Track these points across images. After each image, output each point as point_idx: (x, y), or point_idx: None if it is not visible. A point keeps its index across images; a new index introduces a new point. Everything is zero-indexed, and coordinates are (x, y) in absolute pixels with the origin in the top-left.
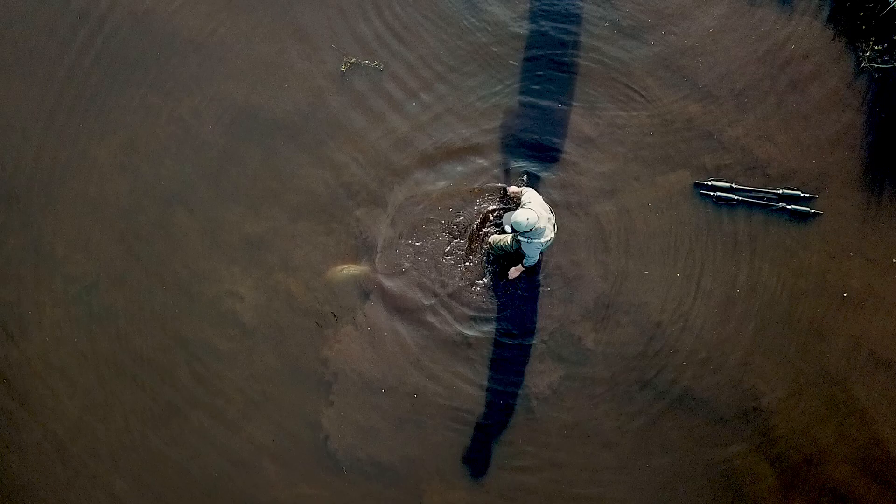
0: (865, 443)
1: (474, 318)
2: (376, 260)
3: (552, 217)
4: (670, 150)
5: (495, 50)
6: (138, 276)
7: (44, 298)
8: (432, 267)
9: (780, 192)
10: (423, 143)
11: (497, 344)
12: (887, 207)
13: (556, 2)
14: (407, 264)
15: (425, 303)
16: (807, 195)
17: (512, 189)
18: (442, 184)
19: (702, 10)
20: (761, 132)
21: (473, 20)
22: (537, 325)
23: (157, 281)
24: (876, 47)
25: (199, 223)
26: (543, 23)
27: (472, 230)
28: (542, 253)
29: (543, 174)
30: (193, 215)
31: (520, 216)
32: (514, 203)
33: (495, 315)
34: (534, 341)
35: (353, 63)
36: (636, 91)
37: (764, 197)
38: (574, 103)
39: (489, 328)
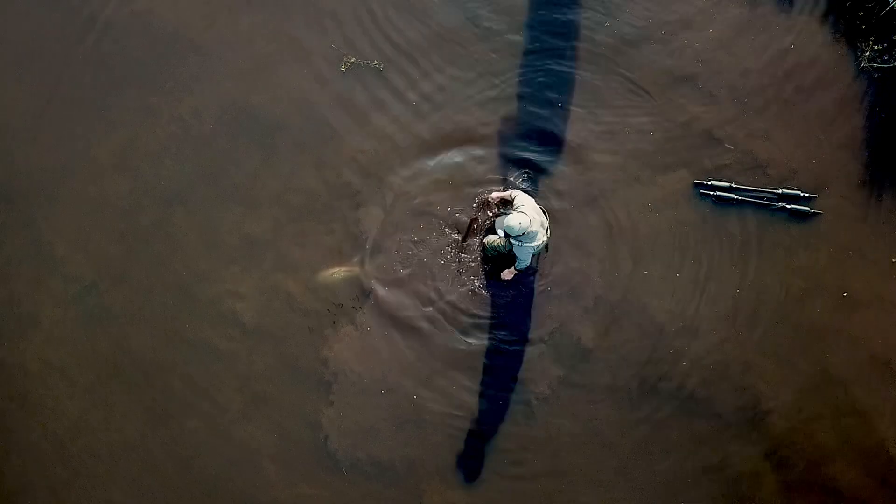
0: (866, 443)
1: (474, 318)
2: (375, 261)
3: (545, 221)
4: (670, 150)
5: (495, 50)
6: (138, 276)
7: (43, 298)
8: (431, 267)
9: (780, 191)
10: (423, 143)
11: (497, 344)
12: (887, 207)
13: (556, 2)
14: (406, 265)
15: (424, 303)
16: (806, 195)
17: (495, 194)
18: (441, 183)
19: (702, 10)
20: (761, 132)
21: (473, 20)
22: (537, 326)
23: (157, 281)
24: (875, 47)
25: (198, 223)
26: (544, 23)
27: (472, 231)
28: (535, 255)
29: (543, 174)
30: (193, 215)
31: (512, 220)
32: (509, 206)
33: (495, 315)
34: (533, 341)
35: (352, 63)
36: (636, 91)
37: (764, 196)
38: (574, 103)
39: (488, 328)
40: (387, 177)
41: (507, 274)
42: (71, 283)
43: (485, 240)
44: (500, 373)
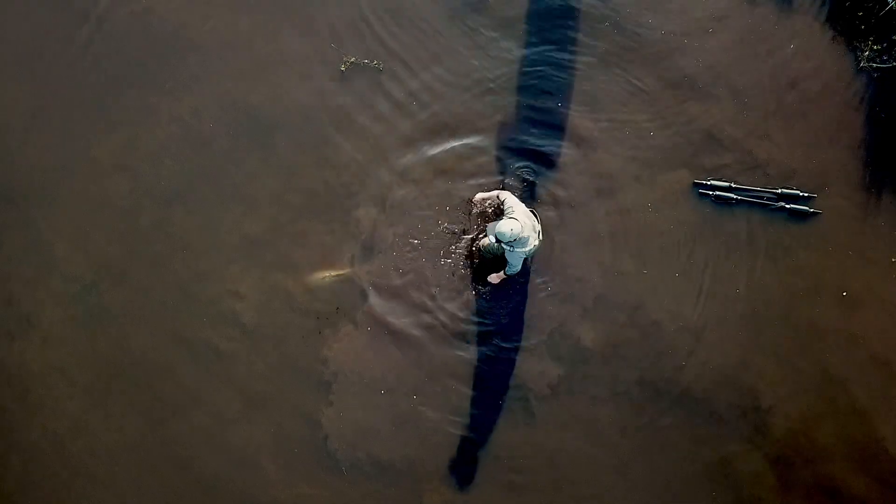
0: (865, 443)
1: (473, 318)
2: (375, 261)
3: (537, 225)
4: (670, 150)
5: (494, 49)
6: (138, 275)
7: (43, 298)
8: (430, 267)
9: (780, 191)
10: (423, 143)
11: (496, 344)
12: (887, 207)
13: (556, 3)
14: (405, 265)
15: (423, 304)
16: (806, 194)
17: (479, 195)
18: (441, 183)
19: (702, 10)
20: (761, 132)
21: (472, 21)
22: (536, 325)
23: (156, 281)
24: (875, 47)
25: (198, 223)
26: (543, 23)
27: (471, 231)
28: (526, 259)
29: (542, 174)
30: (193, 215)
31: (504, 227)
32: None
33: (494, 315)
34: (533, 341)
35: (352, 63)
36: (636, 91)
37: (763, 196)
38: (574, 103)
39: (488, 328)
40: (387, 176)
41: (495, 278)
42: (71, 282)
43: (480, 243)
44: (500, 373)
